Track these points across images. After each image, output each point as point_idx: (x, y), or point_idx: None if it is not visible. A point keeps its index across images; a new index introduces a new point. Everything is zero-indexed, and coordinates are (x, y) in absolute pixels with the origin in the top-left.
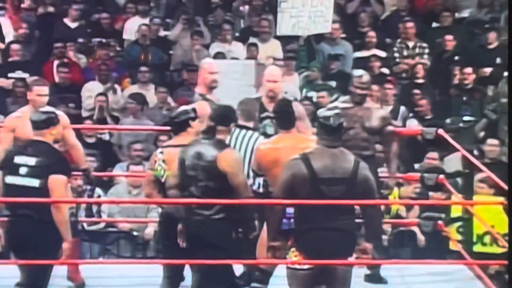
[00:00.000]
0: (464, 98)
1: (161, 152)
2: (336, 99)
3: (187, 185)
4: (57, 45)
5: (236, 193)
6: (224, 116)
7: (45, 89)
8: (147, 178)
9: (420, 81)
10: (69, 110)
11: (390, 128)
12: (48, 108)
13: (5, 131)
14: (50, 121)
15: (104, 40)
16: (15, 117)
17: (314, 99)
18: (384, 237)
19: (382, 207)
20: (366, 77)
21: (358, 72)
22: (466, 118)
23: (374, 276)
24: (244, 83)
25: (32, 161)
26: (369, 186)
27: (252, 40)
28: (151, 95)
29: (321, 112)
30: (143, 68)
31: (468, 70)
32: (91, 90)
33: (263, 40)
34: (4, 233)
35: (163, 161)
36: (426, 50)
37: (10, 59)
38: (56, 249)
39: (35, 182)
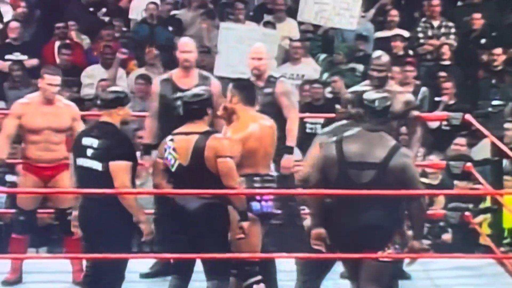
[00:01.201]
0: (493, 81)
1: (172, 140)
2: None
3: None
4: (59, 25)
5: None
6: (360, 101)
7: (57, 79)
8: (157, 167)
9: (446, 62)
10: (73, 94)
11: (414, 113)
12: (118, 88)
13: (11, 117)
14: (118, 101)
15: (107, 19)
16: (23, 104)
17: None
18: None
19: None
20: (384, 58)
21: (376, 53)
22: (495, 102)
23: (396, 271)
24: None
25: (96, 143)
26: (407, 175)
27: (267, 18)
28: None
29: (368, 95)
30: (150, 49)
31: (498, 50)
32: (92, 76)
33: (278, 19)
34: (77, 220)
35: (174, 149)
36: (453, 30)
37: (7, 40)
38: (130, 233)
39: (98, 165)
